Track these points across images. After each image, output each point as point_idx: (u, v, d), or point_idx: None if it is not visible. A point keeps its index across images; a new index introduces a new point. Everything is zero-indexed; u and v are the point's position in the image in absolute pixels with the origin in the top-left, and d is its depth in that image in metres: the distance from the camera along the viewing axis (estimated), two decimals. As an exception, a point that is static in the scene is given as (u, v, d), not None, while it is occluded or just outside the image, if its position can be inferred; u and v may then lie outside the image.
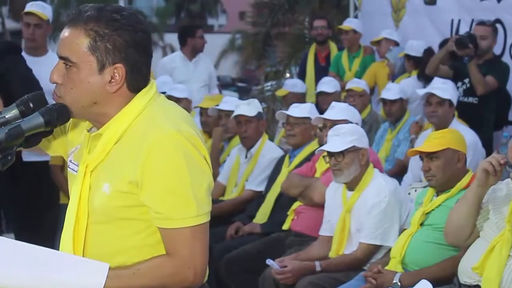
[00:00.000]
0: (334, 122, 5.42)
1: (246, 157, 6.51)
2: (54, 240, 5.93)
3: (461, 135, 4.71)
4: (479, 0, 7.80)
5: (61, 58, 2.45)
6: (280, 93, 8.73)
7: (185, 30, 9.22)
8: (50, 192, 6.30)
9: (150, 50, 2.50)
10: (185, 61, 8.85)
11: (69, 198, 2.57)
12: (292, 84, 8.63)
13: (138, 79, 2.47)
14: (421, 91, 6.34)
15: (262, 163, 6.43)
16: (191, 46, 8.87)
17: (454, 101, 6.19)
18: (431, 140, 4.62)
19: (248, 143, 6.48)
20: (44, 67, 5.89)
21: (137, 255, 2.44)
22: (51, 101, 2.52)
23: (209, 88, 8.85)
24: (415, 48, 7.96)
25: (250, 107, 6.48)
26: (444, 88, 6.22)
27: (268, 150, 6.47)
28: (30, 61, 5.81)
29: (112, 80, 2.43)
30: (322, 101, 7.85)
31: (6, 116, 2.47)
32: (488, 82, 6.84)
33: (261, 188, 6.36)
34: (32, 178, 5.95)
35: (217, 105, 7.17)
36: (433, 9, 8.47)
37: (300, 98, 8.21)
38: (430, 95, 6.16)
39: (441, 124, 6.04)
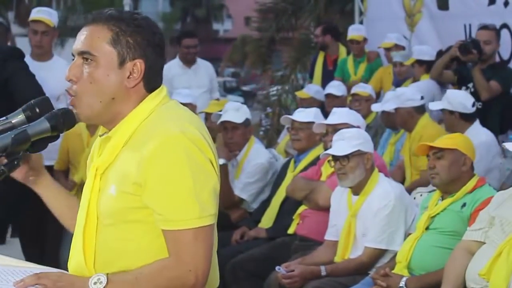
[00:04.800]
0: (335, 127, 5.43)
1: (233, 164, 6.48)
2: (60, 246, 5.94)
3: (471, 141, 4.75)
4: (486, 5, 7.83)
5: (80, 53, 2.47)
6: (301, 95, 8.54)
7: (176, 37, 9.14)
8: None
9: (164, 54, 2.55)
10: (184, 69, 8.75)
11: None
12: (315, 90, 8.53)
13: (154, 78, 2.52)
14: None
15: (245, 169, 6.40)
16: (179, 55, 8.81)
17: (454, 108, 6.18)
18: (441, 139, 4.68)
19: (233, 149, 6.43)
20: (49, 72, 5.92)
21: (144, 258, 2.44)
22: (56, 106, 2.53)
23: (210, 92, 8.79)
24: (427, 52, 7.99)
25: (238, 114, 6.38)
26: (444, 97, 6.32)
27: (253, 155, 6.41)
28: (35, 66, 5.82)
29: (131, 75, 2.47)
30: (329, 104, 7.84)
31: (13, 121, 2.49)
32: (492, 87, 6.84)
33: (244, 195, 6.35)
34: None
35: (220, 111, 7.15)
36: (446, 14, 8.50)
37: (319, 105, 8.17)
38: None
39: (453, 130, 6.10)
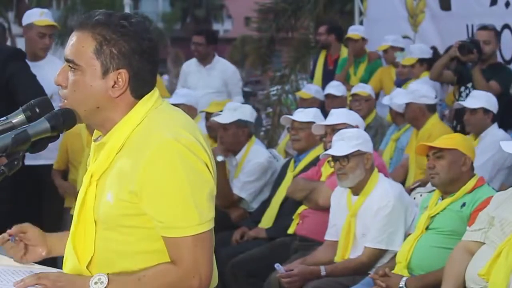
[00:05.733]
0: (334, 127, 5.44)
1: (233, 164, 6.50)
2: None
3: (470, 141, 4.76)
4: (488, 5, 7.85)
5: (67, 61, 2.47)
6: (303, 95, 8.49)
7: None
8: (52, 196, 6.31)
9: (155, 59, 2.51)
10: (199, 67, 8.84)
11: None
12: (315, 90, 8.50)
13: (141, 86, 2.49)
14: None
15: (245, 168, 6.41)
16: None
17: (491, 107, 6.19)
18: (441, 139, 4.68)
19: (227, 148, 6.39)
20: (42, 71, 5.94)
21: (142, 261, 2.45)
22: (55, 105, 2.54)
23: (229, 96, 8.67)
24: (427, 51, 8.03)
25: (229, 114, 6.37)
26: (475, 96, 6.27)
27: (253, 155, 6.41)
28: (30, 65, 5.83)
29: (115, 85, 2.45)
30: (329, 104, 7.84)
31: (13, 121, 2.49)
32: (492, 87, 6.85)
33: (243, 194, 6.36)
34: (33, 182, 5.95)
35: (221, 111, 7.13)
36: (448, 14, 8.52)
37: (320, 105, 8.15)
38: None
39: (477, 131, 6.17)
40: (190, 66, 9.00)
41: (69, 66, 2.46)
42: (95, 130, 2.58)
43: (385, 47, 8.74)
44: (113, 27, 2.44)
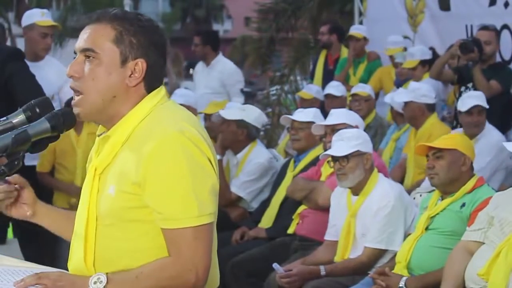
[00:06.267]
0: (333, 127, 5.44)
1: (233, 163, 6.52)
2: (56, 245, 5.93)
3: (470, 141, 4.76)
4: (487, 6, 7.85)
5: (83, 50, 2.49)
6: (304, 95, 8.45)
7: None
8: (49, 196, 6.31)
9: (166, 55, 2.57)
10: (203, 67, 9.01)
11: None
12: (316, 90, 8.49)
13: (154, 79, 2.53)
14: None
15: (245, 168, 6.43)
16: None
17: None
18: (440, 140, 4.68)
19: (225, 144, 6.45)
20: (42, 72, 5.94)
21: (143, 258, 2.45)
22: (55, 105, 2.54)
23: (229, 97, 8.70)
24: (427, 52, 8.05)
25: (235, 111, 6.45)
26: (479, 97, 6.28)
27: (254, 155, 6.44)
28: (29, 66, 5.83)
29: (132, 75, 2.48)
30: (329, 104, 7.83)
31: (13, 122, 2.50)
32: (492, 86, 6.85)
33: (241, 193, 6.38)
34: (33, 182, 5.95)
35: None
36: (448, 14, 8.53)
37: (320, 105, 8.14)
38: (473, 106, 6.21)
39: (478, 132, 6.19)
40: (198, 66, 9.21)
41: (86, 55, 2.48)
42: (100, 126, 2.59)
43: (399, 49, 8.67)
44: (130, 20, 2.50)
